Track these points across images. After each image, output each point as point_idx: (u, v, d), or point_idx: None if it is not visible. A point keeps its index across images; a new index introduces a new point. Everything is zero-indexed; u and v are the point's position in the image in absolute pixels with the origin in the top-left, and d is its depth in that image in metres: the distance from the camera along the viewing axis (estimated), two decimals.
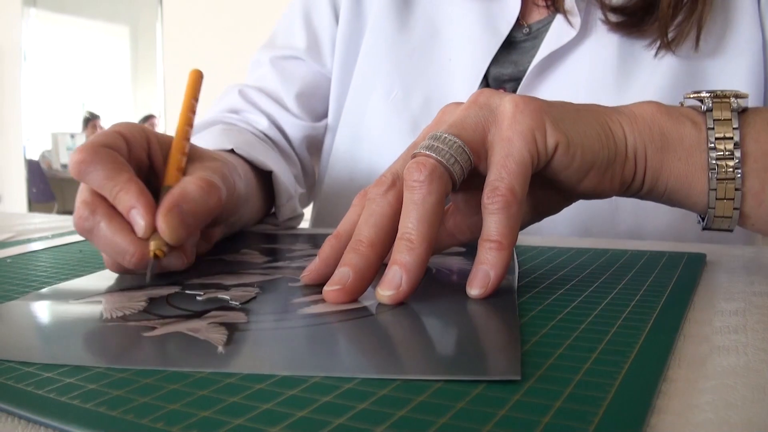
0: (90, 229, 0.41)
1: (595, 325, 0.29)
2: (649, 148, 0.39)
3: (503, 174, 0.35)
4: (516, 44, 0.68)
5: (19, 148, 4.58)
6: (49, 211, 4.50)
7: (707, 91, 0.40)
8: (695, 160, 0.39)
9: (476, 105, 0.38)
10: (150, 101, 4.95)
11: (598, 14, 0.63)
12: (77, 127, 5.03)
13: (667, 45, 0.61)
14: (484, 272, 0.34)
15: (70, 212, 0.44)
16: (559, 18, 0.65)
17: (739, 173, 0.38)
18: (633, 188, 0.41)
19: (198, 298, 0.36)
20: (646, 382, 0.23)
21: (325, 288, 0.35)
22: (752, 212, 0.39)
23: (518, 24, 0.68)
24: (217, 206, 0.43)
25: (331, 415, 0.21)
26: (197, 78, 0.52)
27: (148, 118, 5.01)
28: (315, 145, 0.81)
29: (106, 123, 5.07)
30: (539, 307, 0.33)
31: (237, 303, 0.35)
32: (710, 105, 0.40)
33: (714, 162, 0.39)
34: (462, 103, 0.40)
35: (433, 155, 0.35)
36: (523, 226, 0.41)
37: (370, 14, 0.75)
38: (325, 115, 0.80)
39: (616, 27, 0.62)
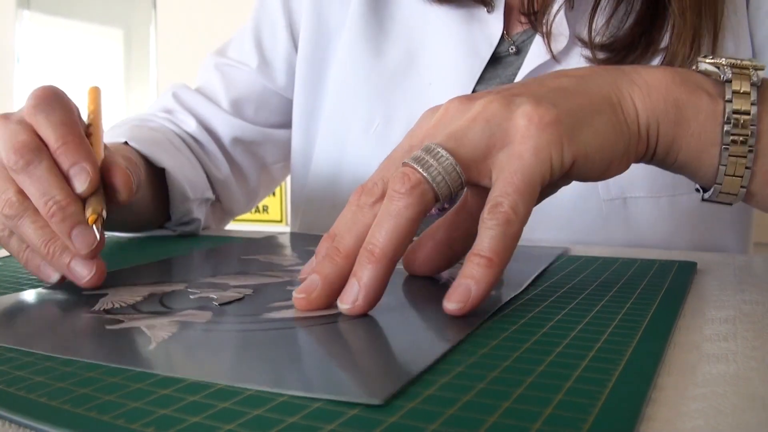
0: (30, 162, 0.38)
1: (586, 333, 0.29)
2: (663, 123, 0.38)
3: (509, 190, 0.33)
4: (500, 59, 0.67)
5: None
6: None
7: (725, 58, 0.38)
8: (708, 134, 0.37)
9: (482, 117, 0.35)
10: (143, 104, 4.94)
11: (584, 33, 0.61)
12: None
13: None
14: (465, 287, 0.32)
15: None
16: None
17: (751, 151, 0.37)
18: (643, 160, 0.40)
19: (191, 296, 0.37)
20: (635, 389, 0.23)
21: (294, 294, 0.34)
22: (759, 191, 0.38)
23: (502, 37, 0.66)
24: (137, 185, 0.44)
25: (224, 421, 0.21)
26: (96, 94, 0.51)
27: None
28: (254, 149, 0.81)
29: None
30: (530, 313, 0.33)
31: (217, 303, 0.35)
32: (729, 75, 0.38)
33: (729, 137, 0.37)
34: (473, 100, 0.36)
35: (420, 170, 0.33)
36: None
37: (335, 38, 0.74)
38: (269, 125, 0.80)
39: (599, 64, 0.60)
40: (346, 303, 0.32)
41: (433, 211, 0.63)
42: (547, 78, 0.38)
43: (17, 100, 4.33)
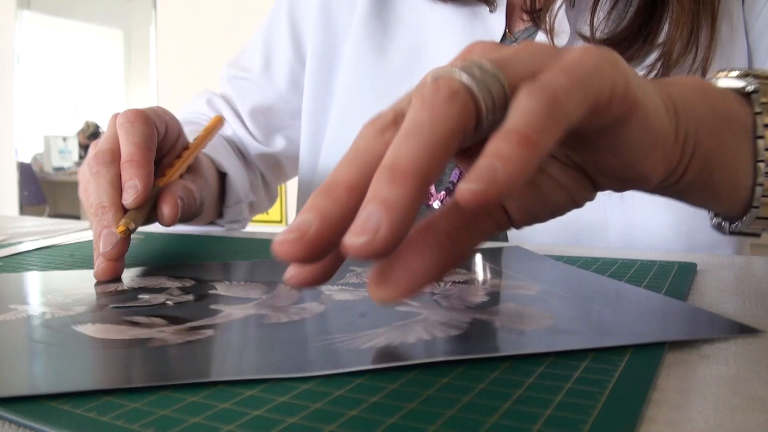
0: (100, 170, 0.46)
1: None
2: (701, 129, 0.31)
3: (560, 76, 0.24)
4: None
5: (10, 150, 4.56)
6: (40, 214, 4.48)
7: (738, 70, 0.34)
8: (741, 148, 0.32)
9: (530, 49, 0.27)
10: (143, 105, 4.93)
11: (584, 29, 0.62)
12: (70, 130, 5.01)
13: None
14: (490, 167, 0.21)
15: (61, 215, 0.47)
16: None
17: None
18: (671, 180, 0.32)
19: (140, 296, 0.38)
20: (635, 391, 0.23)
21: (278, 237, 0.24)
22: None
23: (504, 35, 0.67)
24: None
25: (223, 422, 0.21)
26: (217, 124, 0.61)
27: None
28: (273, 164, 0.86)
29: (99, 124, 5.05)
30: None
31: (116, 305, 0.35)
32: (756, 86, 0.34)
33: (764, 151, 0.32)
34: (505, 46, 0.29)
35: (460, 76, 0.24)
36: (499, 230, 0.29)
37: (343, 42, 0.76)
38: (279, 129, 0.84)
39: None
40: (364, 234, 0.22)
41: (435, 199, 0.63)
42: None
43: (17, 99, 4.33)
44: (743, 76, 0.34)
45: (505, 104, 0.24)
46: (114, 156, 0.47)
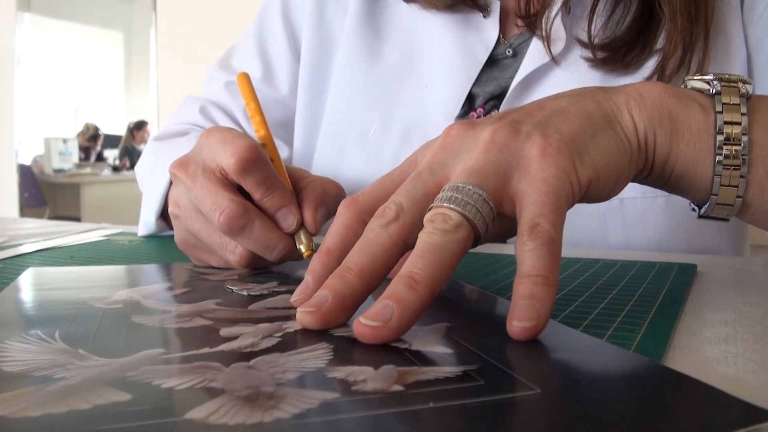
0: (243, 227, 0.43)
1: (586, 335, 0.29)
2: (659, 134, 0.37)
3: (544, 211, 0.31)
4: (497, 61, 0.67)
5: (11, 152, 4.57)
6: (40, 216, 4.48)
7: (713, 74, 0.39)
8: (702, 145, 0.37)
9: (495, 147, 0.34)
10: (143, 107, 4.94)
11: (582, 35, 0.62)
12: (70, 131, 5.02)
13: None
14: (529, 305, 0.28)
15: (61, 217, 0.46)
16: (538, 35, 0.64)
17: (745, 160, 0.37)
18: (640, 176, 0.39)
19: (234, 288, 0.39)
20: None
21: (299, 309, 0.31)
22: (754, 201, 0.38)
23: (498, 41, 0.67)
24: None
25: None
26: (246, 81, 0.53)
27: (142, 125, 5.00)
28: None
29: (99, 126, 5.05)
30: None
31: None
32: (719, 88, 0.38)
33: (721, 148, 0.37)
34: (475, 126, 0.36)
35: (458, 208, 0.31)
36: (503, 238, 0.38)
37: (336, 47, 0.75)
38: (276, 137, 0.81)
39: (598, 64, 0.61)
40: (378, 320, 0.28)
41: None
42: (545, 100, 0.38)
43: (17, 101, 4.33)
44: (712, 80, 0.39)
45: (493, 218, 0.32)
46: (244, 206, 0.44)
